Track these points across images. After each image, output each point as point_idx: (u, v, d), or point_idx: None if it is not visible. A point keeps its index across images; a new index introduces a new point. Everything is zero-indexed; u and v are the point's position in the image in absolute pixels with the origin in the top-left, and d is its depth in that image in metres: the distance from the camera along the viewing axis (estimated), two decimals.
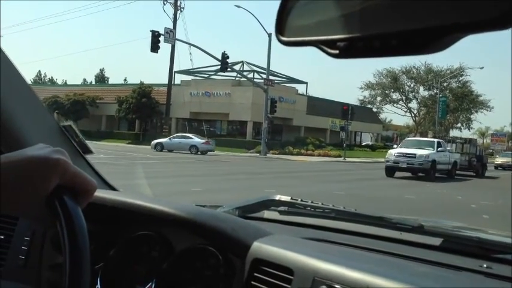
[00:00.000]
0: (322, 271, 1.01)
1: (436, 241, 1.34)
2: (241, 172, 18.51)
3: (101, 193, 1.30)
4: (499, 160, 41.24)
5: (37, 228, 1.49)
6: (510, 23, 0.54)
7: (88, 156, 1.62)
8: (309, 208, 1.73)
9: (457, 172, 24.44)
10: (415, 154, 20.65)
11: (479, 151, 28.03)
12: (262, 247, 1.15)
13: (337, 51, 0.68)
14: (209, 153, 31.84)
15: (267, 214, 1.67)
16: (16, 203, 0.71)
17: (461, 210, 11.09)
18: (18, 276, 1.48)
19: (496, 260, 1.20)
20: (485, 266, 1.15)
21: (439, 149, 21.78)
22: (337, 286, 0.96)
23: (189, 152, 31.22)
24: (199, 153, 31.23)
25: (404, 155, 20.73)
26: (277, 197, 1.76)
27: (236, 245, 1.19)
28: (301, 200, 1.74)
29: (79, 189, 0.73)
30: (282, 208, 1.71)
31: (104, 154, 20.96)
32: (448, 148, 23.56)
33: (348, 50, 0.68)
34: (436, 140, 23.54)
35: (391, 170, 20.83)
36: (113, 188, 1.63)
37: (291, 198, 1.74)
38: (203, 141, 32.47)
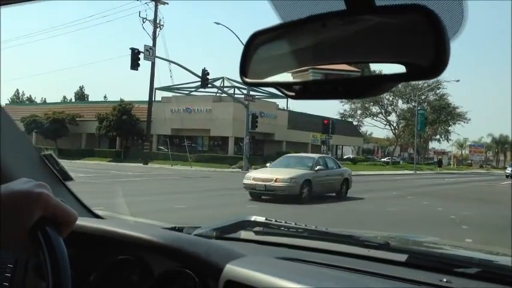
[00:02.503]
0: None
1: (402, 257, 1.42)
2: (223, 188, 18.52)
3: (82, 221, 1.36)
4: None
5: (20, 256, 1.53)
6: (439, 72, 0.63)
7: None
8: (282, 228, 1.81)
9: None
10: None
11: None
12: (234, 269, 1.24)
13: (293, 94, 0.78)
14: (189, 169, 31.78)
15: (243, 234, 1.75)
16: (1, 236, 0.75)
17: None
18: None
19: (456, 274, 1.29)
20: (445, 280, 1.23)
21: None
22: None
23: None
24: None
25: None
26: (253, 218, 1.85)
27: (210, 268, 1.27)
28: (275, 221, 1.83)
29: (61, 220, 0.80)
30: (257, 228, 1.79)
31: (85, 173, 20.74)
32: None
33: (302, 92, 0.77)
34: None
35: None
36: (94, 214, 1.69)
37: (266, 219, 1.82)
38: None
